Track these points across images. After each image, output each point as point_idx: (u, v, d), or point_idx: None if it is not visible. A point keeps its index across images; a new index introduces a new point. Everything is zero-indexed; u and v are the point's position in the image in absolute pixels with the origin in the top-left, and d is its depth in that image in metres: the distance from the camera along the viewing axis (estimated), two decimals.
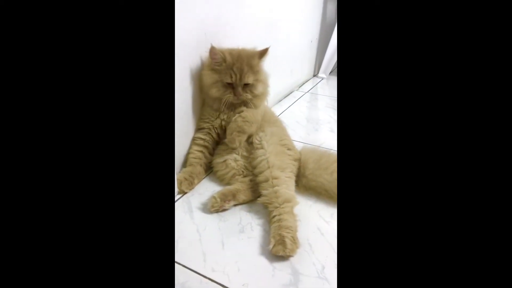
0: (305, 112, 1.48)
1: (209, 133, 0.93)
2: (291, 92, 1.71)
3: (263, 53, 0.89)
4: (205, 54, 0.90)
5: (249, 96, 0.88)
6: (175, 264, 0.65)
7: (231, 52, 0.87)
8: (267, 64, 0.91)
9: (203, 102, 0.95)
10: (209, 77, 0.87)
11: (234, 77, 0.85)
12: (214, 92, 0.87)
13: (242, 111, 0.90)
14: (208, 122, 0.93)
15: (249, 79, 0.86)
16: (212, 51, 0.85)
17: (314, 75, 2.06)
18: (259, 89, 0.89)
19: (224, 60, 0.85)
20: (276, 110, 1.45)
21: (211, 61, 0.87)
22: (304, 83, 1.88)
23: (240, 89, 0.86)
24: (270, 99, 1.42)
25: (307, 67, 1.92)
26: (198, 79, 0.91)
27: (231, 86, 0.87)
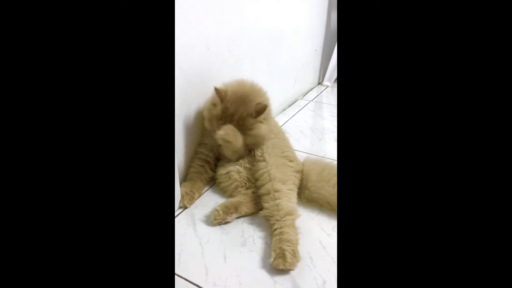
0: (309, 121, 1.48)
1: (212, 150, 0.94)
2: (295, 101, 1.72)
3: (259, 111, 0.85)
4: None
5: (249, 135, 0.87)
6: (179, 278, 0.66)
7: (236, 91, 0.86)
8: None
9: None
10: (207, 112, 0.88)
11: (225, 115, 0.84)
12: (207, 125, 0.88)
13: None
14: (211, 139, 0.93)
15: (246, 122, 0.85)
16: (215, 92, 0.85)
17: (319, 83, 2.07)
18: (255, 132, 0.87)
19: (222, 100, 0.85)
20: (280, 119, 1.46)
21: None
22: (308, 92, 1.89)
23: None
24: (274, 109, 1.43)
25: (312, 76, 1.93)
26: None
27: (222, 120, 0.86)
